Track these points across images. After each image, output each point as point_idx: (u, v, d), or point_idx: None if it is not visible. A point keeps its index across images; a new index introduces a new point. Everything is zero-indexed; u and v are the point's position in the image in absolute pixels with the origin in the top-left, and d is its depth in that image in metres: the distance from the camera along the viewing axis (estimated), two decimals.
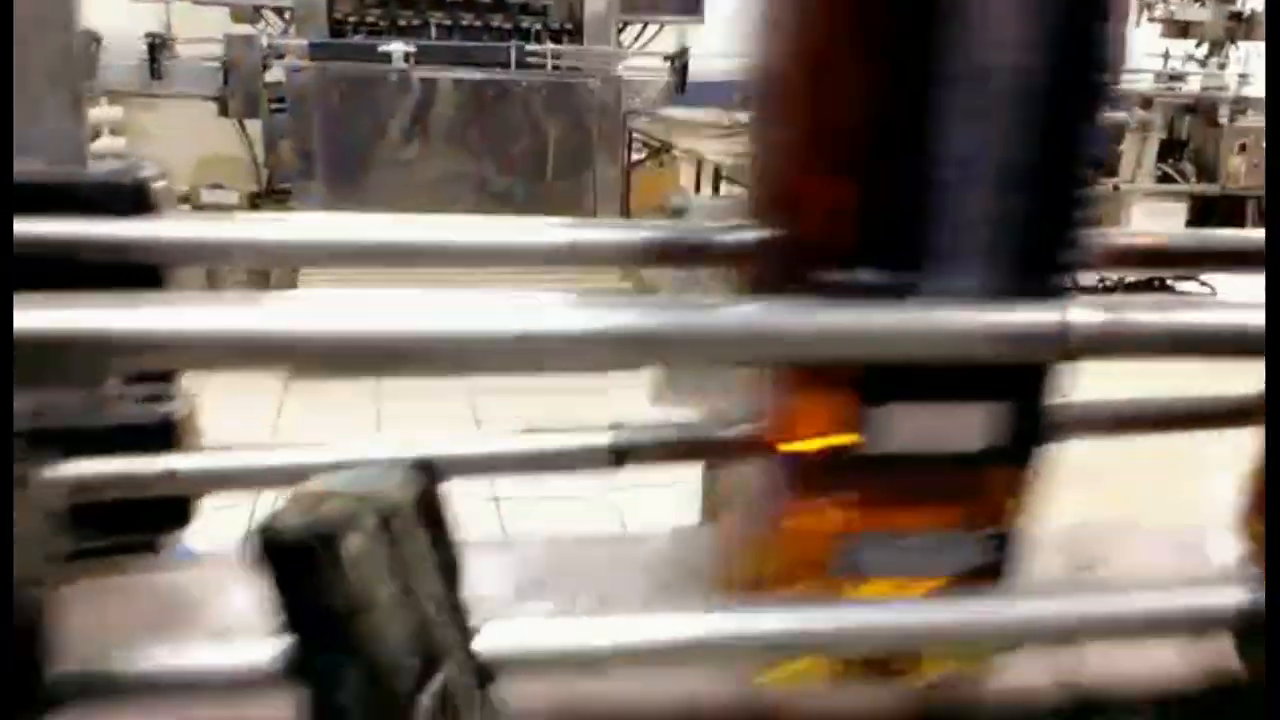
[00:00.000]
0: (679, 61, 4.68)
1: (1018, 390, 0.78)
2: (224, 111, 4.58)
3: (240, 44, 4.42)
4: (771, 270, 0.80)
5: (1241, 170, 5.33)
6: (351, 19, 4.76)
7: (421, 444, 0.87)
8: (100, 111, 4.24)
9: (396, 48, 4.45)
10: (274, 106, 4.46)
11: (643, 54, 5.08)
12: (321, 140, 4.42)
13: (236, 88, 4.44)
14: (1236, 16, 5.44)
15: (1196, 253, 1.17)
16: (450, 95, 4.54)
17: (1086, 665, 0.92)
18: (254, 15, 4.90)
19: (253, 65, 4.37)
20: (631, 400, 1.08)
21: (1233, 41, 5.52)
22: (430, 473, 0.63)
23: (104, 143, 4.19)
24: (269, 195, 4.89)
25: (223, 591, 0.96)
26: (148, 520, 0.99)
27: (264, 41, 4.49)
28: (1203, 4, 5.45)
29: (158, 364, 0.88)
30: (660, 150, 5.22)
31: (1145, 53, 5.23)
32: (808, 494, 0.79)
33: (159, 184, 0.93)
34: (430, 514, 0.61)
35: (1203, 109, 5.48)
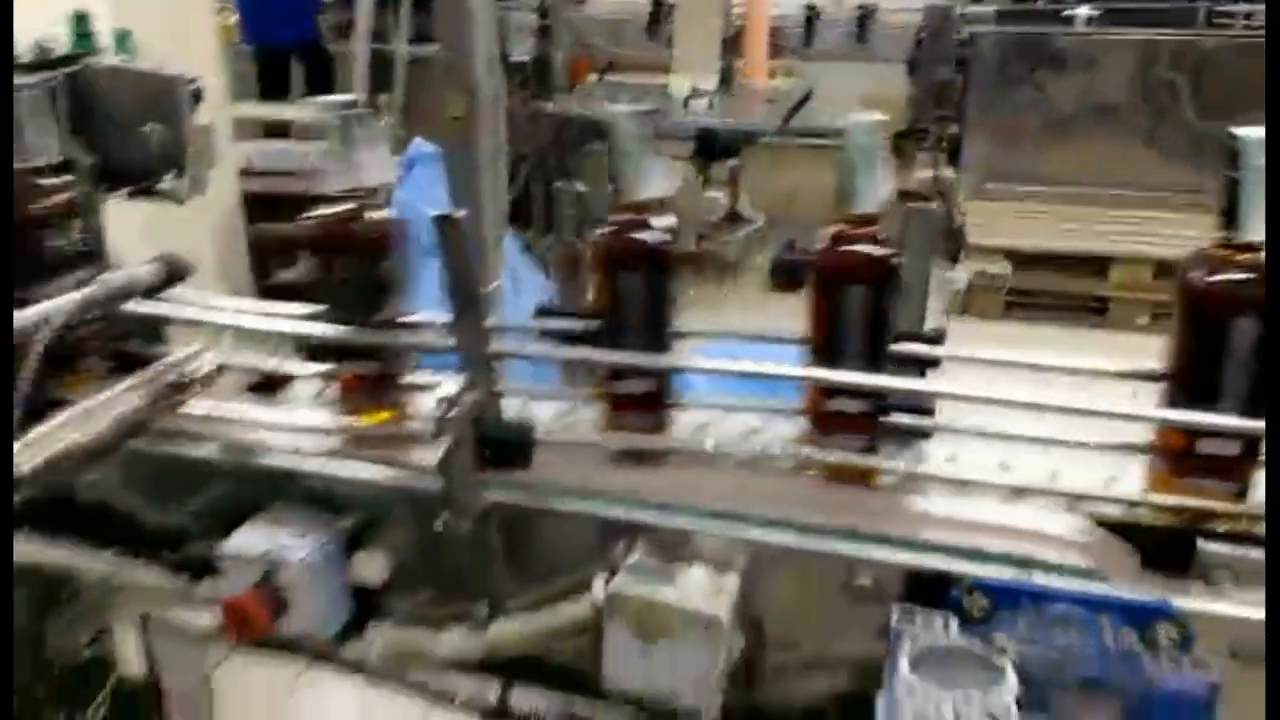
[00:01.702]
0: None
1: None
2: (913, 74, 5.20)
3: (938, 13, 5.02)
4: None
5: None
6: None
7: None
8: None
9: (1081, 11, 4.83)
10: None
11: None
12: (981, 95, 5.03)
13: (927, 52, 5.03)
14: None
15: None
16: (1130, 56, 4.66)
17: None
18: None
19: (947, 32, 4.92)
20: None
21: None
22: None
23: (777, 83, 5.34)
24: (909, 136, 5.42)
25: None
26: None
27: (958, 11, 5.08)
28: None
29: None
30: None
31: None
32: None
33: None
34: None
35: None
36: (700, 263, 4.89)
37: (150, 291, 0.99)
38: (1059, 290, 4.75)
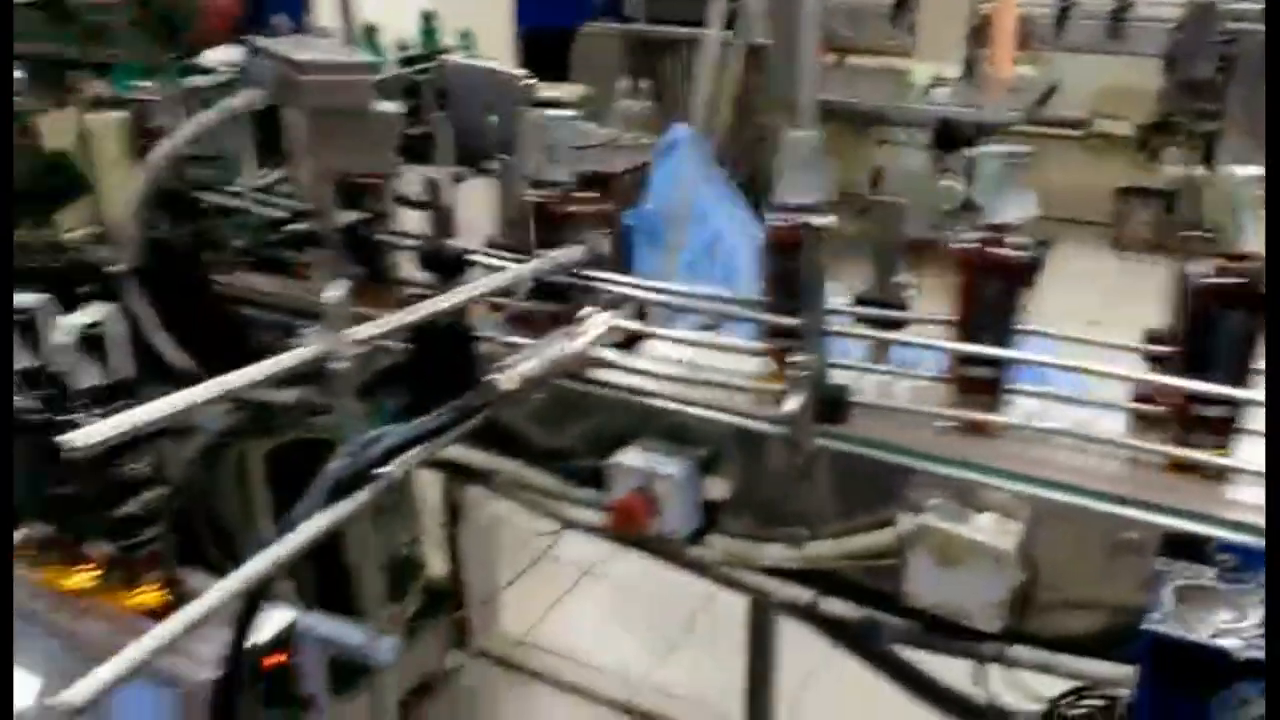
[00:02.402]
0: None
1: None
2: (1169, 69, 5.17)
3: (1200, 9, 5.01)
4: None
5: None
6: None
7: None
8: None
9: None
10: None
11: None
12: (1243, 93, 4.90)
13: (1186, 47, 5.03)
14: None
15: None
16: None
17: None
18: None
19: (1208, 27, 4.89)
20: None
21: None
22: None
23: (1022, 72, 5.30)
24: (1158, 130, 5.54)
25: None
26: None
27: (1222, 6, 4.98)
28: None
29: None
30: None
31: None
32: None
33: None
34: None
35: None
36: (931, 252, 4.98)
37: (576, 267, 1.32)
38: None
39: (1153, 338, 1.19)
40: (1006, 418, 1.23)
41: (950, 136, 5.26)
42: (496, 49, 4.11)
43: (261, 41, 1.21)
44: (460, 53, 2.76)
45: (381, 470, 1.09)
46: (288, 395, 1.55)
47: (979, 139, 5.31)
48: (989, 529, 1.14)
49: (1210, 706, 0.90)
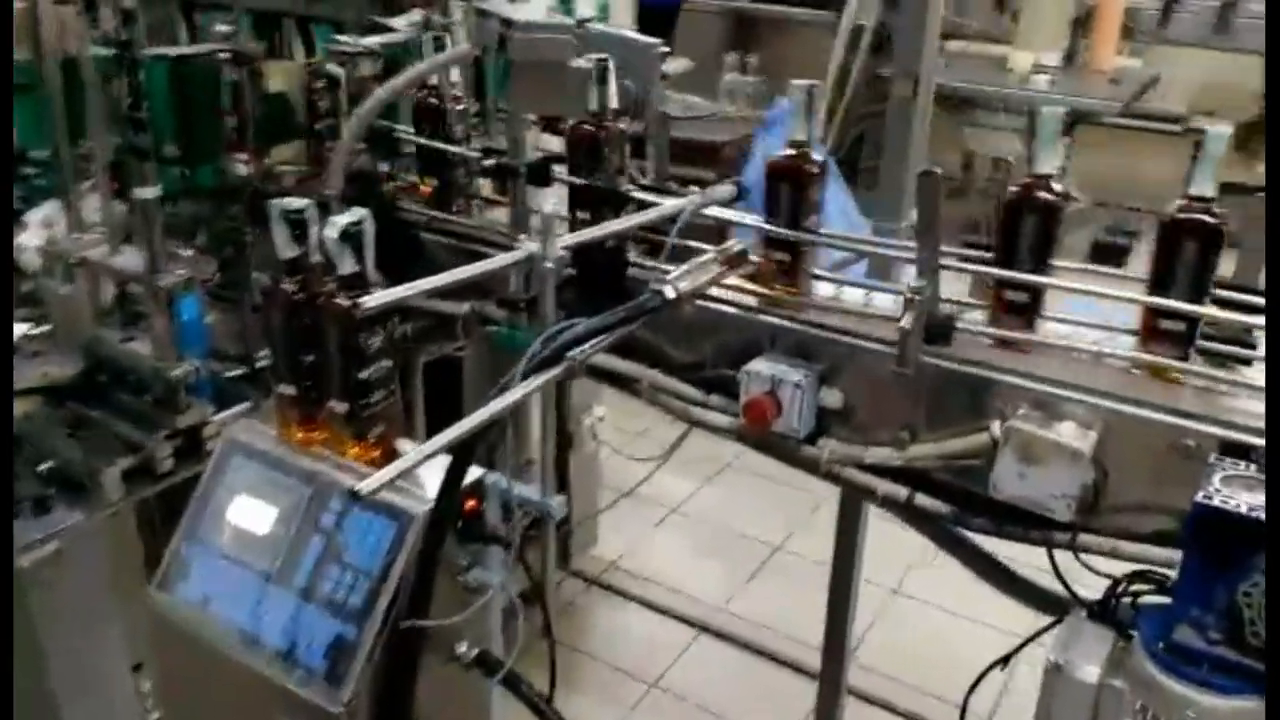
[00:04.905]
0: None
1: None
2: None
3: None
4: None
5: None
6: None
7: None
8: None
9: None
10: None
11: None
12: None
13: None
14: None
15: None
16: None
17: None
18: None
19: None
20: None
21: None
22: None
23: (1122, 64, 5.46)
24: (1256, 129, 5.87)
25: None
26: None
27: None
28: None
29: None
30: None
31: None
32: None
33: None
34: None
35: None
36: None
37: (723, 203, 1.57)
38: None
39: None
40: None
41: None
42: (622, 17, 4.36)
43: (483, 3, 1.48)
44: (598, 23, 3.01)
45: (569, 354, 1.35)
46: (461, 307, 1.84)
47: (1074, 127, 5.41)
48: (1069, 433, 1.36)
49: (1237, 573, 1.12)
